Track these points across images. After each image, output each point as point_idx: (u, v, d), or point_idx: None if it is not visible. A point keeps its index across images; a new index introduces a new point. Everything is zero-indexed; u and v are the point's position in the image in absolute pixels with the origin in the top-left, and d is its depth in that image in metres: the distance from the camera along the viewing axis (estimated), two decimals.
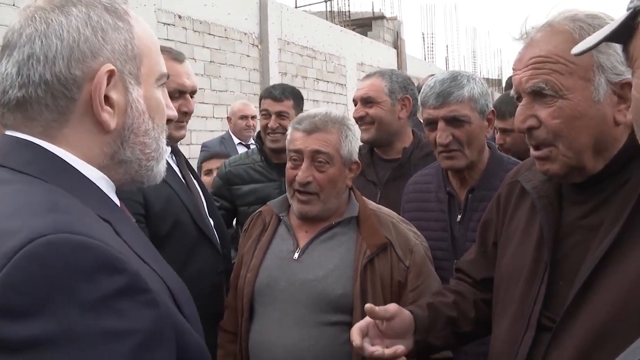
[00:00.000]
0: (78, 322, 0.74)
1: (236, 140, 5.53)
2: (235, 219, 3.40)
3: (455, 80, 2.21)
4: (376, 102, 2.81)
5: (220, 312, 2.25)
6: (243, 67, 9.62)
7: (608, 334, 1.22)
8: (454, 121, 2.19)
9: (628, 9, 0.70)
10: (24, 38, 0.94)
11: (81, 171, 0.97)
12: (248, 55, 9.76)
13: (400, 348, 1.53)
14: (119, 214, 1.01)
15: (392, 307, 1.60)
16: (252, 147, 5.48)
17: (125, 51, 0.99)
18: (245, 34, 9.70)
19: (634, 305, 1.20)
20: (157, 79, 1.06)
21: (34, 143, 0.95)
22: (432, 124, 2.24)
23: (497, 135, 3.56)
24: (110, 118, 0.97)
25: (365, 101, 2.83)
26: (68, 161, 0.96)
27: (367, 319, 1.59)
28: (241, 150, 5.43)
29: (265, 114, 3.34)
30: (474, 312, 1.68)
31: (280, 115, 3.28)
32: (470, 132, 2.20)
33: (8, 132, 0.98)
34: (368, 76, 2.95)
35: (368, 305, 1.56)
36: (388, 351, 1.52)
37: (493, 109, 2.31)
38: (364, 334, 1.58)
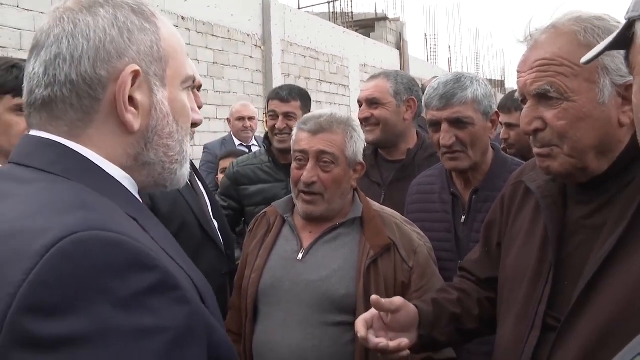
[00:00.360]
0: (110, 320, 0.74)
1: (237, 142, 5.54)
2: (243, 219, 3.42)
3: (458, 82, 2.22)
4: (381, 103, 2.80)
5: (224, 313, 2.26)
6: (246, 69, 9.63)
7: (612, 333, 1.23)
8: (457, 123, 2.19)
9: (625, 19, 0.71)
10: (52, 38, 0.95)
11: (106, 170, 0.97)
12: (251, 57, 9.78)
13: (404, 341, 1.53)
14: (145, 212, 1.02)
15: (398, 299, 1.60)
16: (253, 148, 5.51)
17: (151, 52, 0.99)
18: (248, 35, 9.72)
19: (638, 305, 1.21)
20: (183, 81, 1.06)
21: (58, 142, 0.95)
22: (435, 125, 2.25)
23: (502, 130, 3.57)
24: (134, 119, 0.97)
25: (370, 102, 2.83)
26: (92, 160, 0.96)
27: (373, 311, 1.59)
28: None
29: (273, 115, 3.35)
30: (477, 310, 1.68)
31: (287, 116, 3.30)
32: (473, 133, 2.20)
33: (32, 133, 0.98)
34: (373, 77, 2.95)
35: (374, 297, 1.56)
36: (392, 344, 1.52)
37: (497, 110, 2.32)
38: (369, 326, 1.57)
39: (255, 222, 2.27)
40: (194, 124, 1.15)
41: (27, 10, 6.09)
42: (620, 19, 1.35)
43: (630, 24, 0.69)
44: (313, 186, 2.00)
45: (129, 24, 0.98)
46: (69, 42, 0.94)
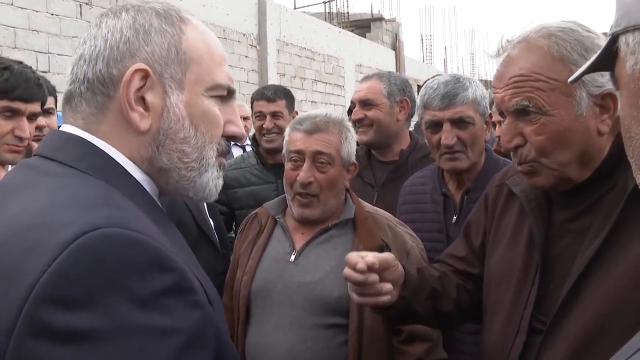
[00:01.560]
0: (128, 317, 0.75)
1: (231, 142, 5.53)
2: (234, 223, 3.42)
3: (459, 82, 2.24)
4: (375, 104, 2.80)
5: None
6: (242, 68, 9.64)
7: (598, 335, 1.24)
8: (459, 122, 2.20)
9: (607, 36, 0.72)
10: (81, 41, 1.01)
11: (129, 171, 0.99)
12: (247, 56, 9.78)
13: (388, 285, 1.51)
14: (163, 216, 1.02)
15: (389, 256, 1.55)
16: (247, 148, 5.50)
17: (168, 55, 1.00)
18: (244, 34, 9.72)
19: (622, 306, 1.22)
20: (209, 88, 1.04)
21: (84, 139, 0.97)
22: (436, 125, 2.25)
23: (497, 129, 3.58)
24: (140, 119, 0.98)
25: (363, 103, 2.83)
26: (117, 159, 0.98)
27: (363, 252, 1.54)
28: (236, 150, 5.43)
29: (260, 116, 3.36)
30: (455, 294, 1.67)
31: (274, 115, 3.32)
32: (473, 133, 2.22)
33: (62, 128, 1.02)
34: (366, 78, 2.95)
35: (367, 261, 1.47)
36: (380, 284, 1.49)
37: (491, 111, 2.33)
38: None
39: (246, 223, 2.25)
40: (232, 137, 1.11)
41: (22, 8, 6.08)
42: (590, 26, 1.37)
43: (614, 39, 0.71)
44: (309, 187, 2.00)
45: (147, 25, 1.00)
46: (90, 43, 1.00)
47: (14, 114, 1.97)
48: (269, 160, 3.32)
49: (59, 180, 0.90)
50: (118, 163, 0.98)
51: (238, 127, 1.11)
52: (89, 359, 0.73)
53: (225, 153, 1.11)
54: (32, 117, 2.03)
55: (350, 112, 3.00)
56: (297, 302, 1.96)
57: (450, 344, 2.16)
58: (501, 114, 1.43)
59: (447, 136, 2.20)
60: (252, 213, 2.26)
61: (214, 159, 1.07)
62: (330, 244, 2.03)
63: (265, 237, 2.11)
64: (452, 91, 2.20)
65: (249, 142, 5.64)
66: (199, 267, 1.03)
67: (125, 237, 0.79)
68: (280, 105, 3.36)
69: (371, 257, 1.47)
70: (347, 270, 1.48)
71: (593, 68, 0.77)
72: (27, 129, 1.98)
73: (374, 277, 1.47)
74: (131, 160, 0.99)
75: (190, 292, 0.84)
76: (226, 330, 1.03)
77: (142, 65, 0.97)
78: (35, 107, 2.02)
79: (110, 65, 0.97)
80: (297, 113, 3.31)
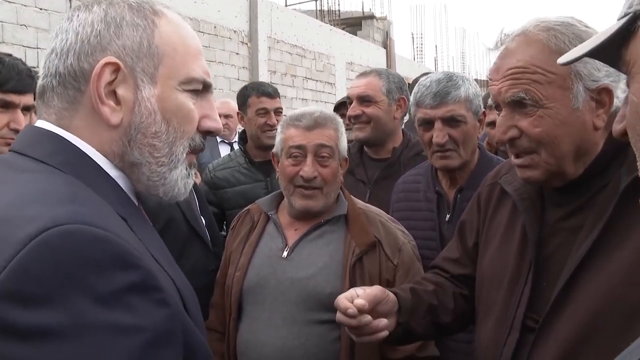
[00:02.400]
0: (88, 315, 0.74)
1: (218, 139, 5.49)
2: (225, 223, 3.40)
3: (451, 80, 2.23)
4: (374, 101, 2.78)
5: (208, 312, 2.25)
6: (232, 65, 9.60)
7: (590, 333, 1.25)
8: (451, 121, 2.20)
9: (626, 14, 0.70)
10: (53, 35, 1.00)
11: (102, 167, 0.98)
12: (237, 53, 9.74)
13: (383, 321, 1.52)
14: (136, 213, 1.01)
15: (378, 289, 1.56)
16: (235, 145, 5.47)
17: (140, 48, 0.99)
18: (234, 31, 9.69)
19: (615, 304, 1.23)
20: (183, 82, 1.03)
21: (58, 135, 0.97)
22: (428, 123, 2.25)
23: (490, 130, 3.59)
24: (111, 113, 0.97)
25: (362, 99, 2.79)
26: (90, 155, 0.97)
27: (352, 292, 1.55)
28: (223, 148, 5.40)
29: (263, 112, 3.34)
30: (452, 304, 1.68)
31: (277, 111, 3.33)
32: (465, 132, 2.22)
33: (37, 123, 1.01)
34: (364, 74, 2.90)
35: (357, 305, 1.49)
36: (374, 322, 1.50)
37: (484, 109, 2.33)
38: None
39: (238, 219, 2.25)
40: (209, 132, 1.09)
41: (10, 2, 6.02)
42: (587, 22, 1.37)
43: (635, 17, 0.69)
44: (313, 181, 2.00)
45: (119, 19, 0.99)
46: (61, 36, 0.99)
47: (8, 106, 1.95)
48: (257, 158, 3.31)
49: (29, 176, 0.90)
50: (91, 159, 0.97)
51: (215, 122, 1.09)
52: (49, 356, 0.72)
53: (198, 149, 1.09)
54: (26, 109, 2.01)
55: (336, 108, 2.99)
56: (290, 298, 1.95)
57: (443, 342, 2.16)
58: (497, 107, 1.43)
59: (439, 134, 2.21)
60: (244, 209, 2.26)
61: (184, 155, 1.05)
62: (323, 240, 2.03)
63: (258, 234, 2.11)
64: (444, 89, 2.20)
65: (237, 139, 5.63)
66: (173, 265, 1.02)
67: (87, 233, 0.78)
68: (279, 102, 3.39)
69: (360, 299, 1.48)
70: (339, 316, 1.50)
71: (597, 51, 0.74)
72: (22, 121, 1.96)
73: (367, 318, 1.48)
74: (104, 155, 0.99)
75: (155, 289, 0.83)
76: (203, 331, 1.02)
77: (113, 59, 0.96)
78: (29, 99, 2.00)
79: (81, 59, 0.96)
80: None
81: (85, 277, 0.75)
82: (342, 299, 1.49)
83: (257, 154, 3.31)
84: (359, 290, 1.53)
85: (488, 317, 1.51)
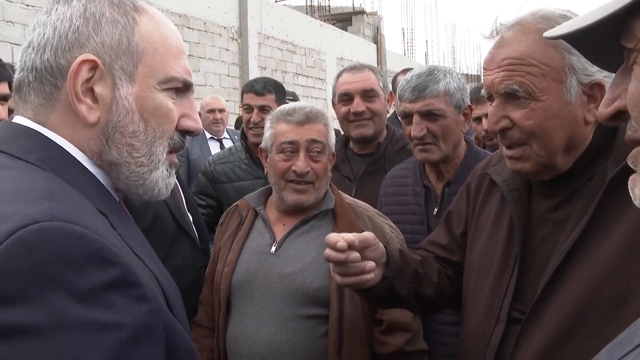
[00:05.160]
0: (66, 312, 0.74)
1: (208, 135, 5.47)
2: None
3: (431, 74, 2.23)
4: (377, 95, 2.74)
5: (197, 308, 2.24)
6: (222, 61, 9.58)
7: (576, 325, 1.26)
8: (428, 115, 2.21)
9: None
10: (31, 28, 0.98)
11: (82, 162, 0.97)
12: (227, 49, 9.72)
13: (371, 263, 1.49)
14: (117, 209, 1.00)
15: (369, 234, 1.53)
16: (224, 141, 5.44)
17: (119, 46, 0.97)
18: (224, 27, 9.66)
19: (600, 296, 1.23)
20: (162, 81, 1.01)
21: (36, 131, 0.95)
22: (407, 117, 2.26)
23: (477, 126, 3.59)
24: (87, 110, 0.95)
25: (367, 95, 2.73)
26: (69, 151, 0.96)
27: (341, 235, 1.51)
28: (212, 144, 5.38)
29: (248, 108, 3.30)
30: (437, 278, 1.67)
31: (262, 109, 3.25)
32: (445, 126, 2.22)
33: (14, 119, 0.99)
34: (355, 69, 2.81)
35: (346, 239, 1.46)
36: (363, 262, 1.47)
37: (470, 104, 2.33)
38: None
39: (226, 215, 2.25)
40: (188, 132, 1.08)
41: None
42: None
43: None
44: (306, 176, 2.00)
45: (98, 15, 0.97)
46: (38, 30, 0.97)
47: None
48: (258, 154, 3.29)
49: (5, 173, 0.89)
50: (70, 154, 0.96)
51: (194, 122, 1.08)
52: (26, 354, 0.71)
53: (178, 148, 1.08)
54: (2, 100, 1.99)
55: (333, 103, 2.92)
56: (278, 293, 1.95)
57: (431, 335, 2.17)
58: (489, 97, 1.42)
59: (416, 128, 2.22)
60: (233, 205, 2.25)
61: (164, 155, 1.04)
62: (311, 235, 2.04)
63: (246, 229, 2.11)
64: (423, 84, 2.21)
65: (227, 135, 5.61)
66: (156, 261, 1.01)
67: (64, 230, 0.77)
68: (269, 100, 3.29)
69: (351, 235, 1.45)
70: (327, 251, 1.47)
71: (599, 25, 0.69)
72: (1, 112, 1.94)
73: (355, 255, 1.45)
74: (82, 152, 0.97)
75: (134, 285, 0.82)
76: (187, 328, 1.01)
77: (90, 56, 0.95)
78: (3, 89, 1.98)
79: (59, 55, 0.95)
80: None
81: (63, 275, 0.75)
82: (333, 234, 1.47)
83: (257, 150, 3.29)
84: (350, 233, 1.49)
85: (475, 308, 1.52)
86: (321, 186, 2.04)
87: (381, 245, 1.57)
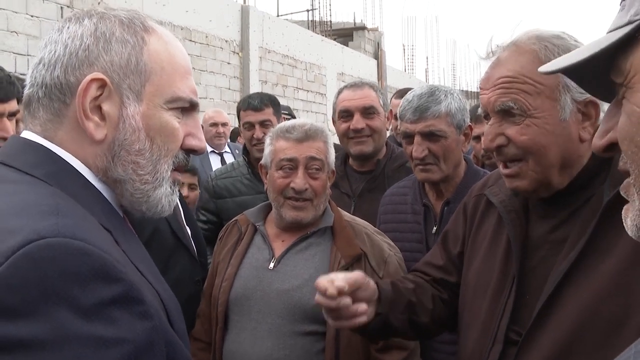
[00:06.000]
0: (69, 327, 0.74)
1: (209, 149, 5.49)
2: None
3: (432, 95, 2.24)
4: (377, 112, 2.75)
5: (195, 322, 2.24)
6: (223, 75, 9.62)
7: (572, 346, 1.26)
8: (430, 136, 2.22)
9: (630, 22, 0.69)
10: (42, 44, 1.01)
11: (87, 178, 0.98)
12: (229, 63, 9.77)
13: (363, 305, 1.50)
14: (121, 225, 1.01)
15: (359, 274, 1.54)
16: (225, 155, 5.45)
17: (128, 65, 0.99)
18: (226, 41, 9.71)
19: (596, 318, 1.24)
20: (168, 100, 1.03)
21: (43, 146, 0.97)
22: (409, 137, 2.27)
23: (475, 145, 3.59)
24: (95, 128, 0.97)
25: (367, 112, 2.74)
26: (75, 167, 0.97)
27: (333, 275, 1.53)
28: (213, 158, 5.39)
29: (249, 126, 3.31)
30: (431, 305, 1.68)
31: (263, 124, 3.26)
32: (446, 146, 2.23)
33: (22, 134, 1.01)
34: (356, 86, 2.83)
35: (336, 286, 1.46)
36: (354, 306, 1.48)
37: (470, 124, 2.35)
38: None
39: (225, 230, 2.25)
40: (192, 151, 1.09)
41: (1, 9, 6.01)
42: (576, 36, 1.39)
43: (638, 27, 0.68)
44: (305, 193, 2.01)
45: (108, 34, 0.99)
46: (50, 47, 0.99)
47: None
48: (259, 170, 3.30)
49: (12, 187, 0.90)
50: (76, 170, 0.97)
51: (199, 141, 1.09)
52: None
53: (181, 166, 1.09)
54: (11, 115, 2.00)
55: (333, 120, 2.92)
56: (275, 309, 1.96)
57: (427, 354, 2.17)
58: (486, 116, 1.45)
59: (417, 149, 2.23)
60: (232, 220, 2.26)
61: (168, 173, 1.06)
62: (309, 252, 2.04)
63: (245, 245, 2.11)
64: (424, 105, 2.22)
65: (228, 149, 5.63)
66: (158, 277, 1.02)
67: (69, 246, 0.78)
68: (267, 114, 3.31)
69: (340, 280, 1.46)
70: (318, 297, 1.48)
71: (588, 62, 0.72)
72: (9, 128, 1.96)
73: (346, 300, 1.47)
74: (88, 168, 0.99)
75: (137, 302, 0.83)
76: (187, 344, 1.01)
77: (100, 75, 0.96)
78: (13, 106, 1.99)
79: (68, 72, 0.97)
80: (284, 119, 3.27)
81: (67, 290, 0.75)
82: (323, 280, 1.47)
83: (259, 166, 3.29)
84: (339, 274, 1.51)
85: (472, 328, 1.52)
86: (320, 203, 2.05)
87: (372, 282, 1.58)
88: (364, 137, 2.74)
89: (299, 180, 2.00)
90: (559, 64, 0.78)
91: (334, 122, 2.89)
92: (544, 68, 0.82)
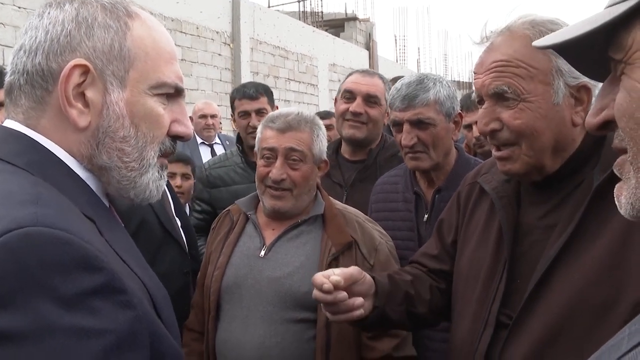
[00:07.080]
0: (50, 317, 0.73)
1: (199, 140, 5.47)
2: None
3: (421, 83, 2.24)
4: (379, 104, 2.76)
5: (186, 313, 2.24)
6: (215, 66, 9.57)
7: (562, 329, 1.27)
8: (418, 124, 2.22)
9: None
10: (23, 31, 0.98)
11: (71, 167, 0.96)
12: (220, 54, 9.72)
13: (359, 299, 1.52)
14: (106, 214, 1.00)
15: (355, 269, 1.56)
16: (215, 147, 5.44)
17: (111, 51, 0.97)
18: (217, 32, 9.66)
19: (586, 301, 1.25)
20: (153, 86, 1.01)
21: (25, 135, 0.95)
22: (398, 125, 2.27)
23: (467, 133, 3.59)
24: (78, 115, 0.95)
25: (370, 99, 2.74)
26: (59, 155, 0.95)
27: (329, 270, 1.55)
28: (203, 149, 5.38)
29: (244, 114, 3.33)
30: (429, 295, 1.69)
31: (259, 112, 3.30)
32: (435, 134, 2.23)
33: (5, 123, 0.99)
34: (368, 74, 2.85)
35: (332, 281, 1.47)
36: (350, 300, 1.49)
37: (460, 111, 2.35)
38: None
39: (218, 220, 2.26)
40: (178, 137, 1.08)
41: None
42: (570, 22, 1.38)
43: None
44: (282, 183, 2.01)
45: (90, 19, 0.97)
46: (30, 33, 0.97)
47: None
48: (253, 158, 3.30)
49: None
50: (59, 159, 0.95)
51: (185, 127, 1.08)
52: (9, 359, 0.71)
53: (168, 153, 1.08)
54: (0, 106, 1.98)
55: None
56: (267, 297, 1.96)
57: (420, 341, 2.17)
58: (480, 101, 1.45)
59: (406, 137, 2.23)
60: (225, 210, 2.27)
61: (155, 159, 1.04)
62: (300, 240, 2.04)
63: (237, 233, 2.12)
64: (413, 93, 2.21)
65: (218, 141, 5.61)
66: (144, 267, 1.01)
67: (49, 236, 0.77)
68: (263, 102, 3.36)
69: (336, 275, 1.48)
70: (315, 292, 1.50)
71: (587, 36, 0.71)
72: None
73: (343, 294, 1.48)
74: (72, 157, 0.97)
75: (119, 292, 0.81)
76: (176, 334, 1.01)
77: (82, 61, 0.94)
78: (0, 96, 1.97)
79: (50, 59, 0.95)
80: (277, 107, 3.28)
81: (47, 280, 0.74)
82: (319, 276, 1.49)
83: (253, 154, 3.30)
84: (336, 270, 1.53)
85: (464, 314, 1.53)
86: (301, 194, 2.05)
87: (368, 277, 1.59)
88: (360, 122, 2.73)
89: (276, 171, 2.01)
90: (553, 38, 0.77)
91: (335, 101, 2.89)
92: (539, 42, 0.81)
